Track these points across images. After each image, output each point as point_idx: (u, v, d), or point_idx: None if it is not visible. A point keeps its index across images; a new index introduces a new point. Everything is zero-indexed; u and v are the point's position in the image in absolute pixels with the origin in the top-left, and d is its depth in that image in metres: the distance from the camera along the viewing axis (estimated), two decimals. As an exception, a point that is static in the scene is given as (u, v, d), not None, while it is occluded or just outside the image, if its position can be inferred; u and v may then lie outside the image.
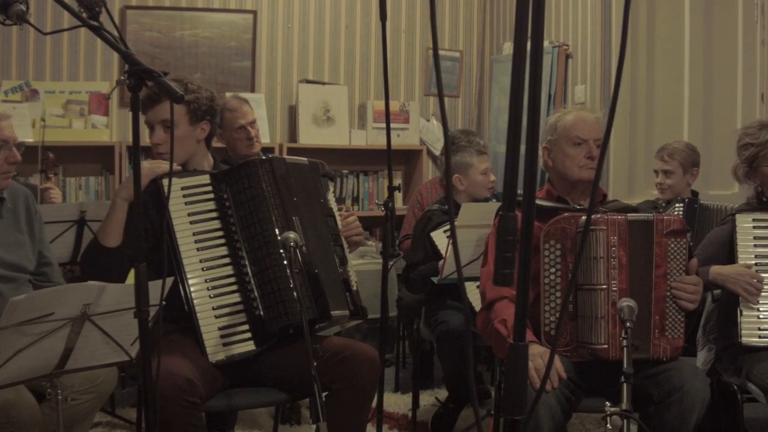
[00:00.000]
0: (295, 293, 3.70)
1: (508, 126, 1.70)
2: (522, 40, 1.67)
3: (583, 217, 3.75)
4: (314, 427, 3.43)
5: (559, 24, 7.93)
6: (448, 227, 5.44)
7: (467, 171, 5.71)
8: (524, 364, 1.82)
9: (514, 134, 1.67)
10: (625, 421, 3.11)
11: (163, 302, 3.16)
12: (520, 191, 1.74)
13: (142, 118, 3.87)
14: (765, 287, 4.17)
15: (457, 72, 8.90)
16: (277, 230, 3.87)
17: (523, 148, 1.71)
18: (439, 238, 5.44)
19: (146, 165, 3.91)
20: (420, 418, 5.62)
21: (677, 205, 5.58)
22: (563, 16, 7.87)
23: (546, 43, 7.78)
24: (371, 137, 8.11)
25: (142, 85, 2.88)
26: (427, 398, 6.15)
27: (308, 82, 8.13)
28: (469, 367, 1.91)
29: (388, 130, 4.14)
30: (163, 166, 3.89)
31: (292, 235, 3.66)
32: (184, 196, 3.93)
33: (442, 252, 5.33)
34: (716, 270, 4.21)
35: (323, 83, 8.18)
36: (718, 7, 7.38)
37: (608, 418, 3.14)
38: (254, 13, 7.97)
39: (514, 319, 1.80)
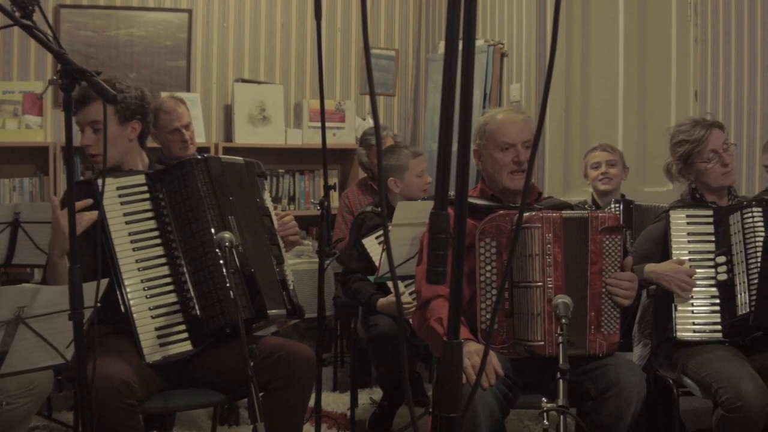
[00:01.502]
0: (231, 293, 3.70)
1: (439, 125, 1.71)
2: (453, 39, 1.68)
3: (517, 215, 3.77)
4: (252, 427, 3.42)
5: (494, 22, 7.97)
6: (380, 233, 5.43)
7: (403, 174, 5.67)
8: (458, 361, 1.83)
9: (446, 133, 1.68)
10: (561, 416, 3.14)
11: (99, 304, 3.14)
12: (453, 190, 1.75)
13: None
14: (699, 282, 4.23)
15: (393, 70, 8.92)
16: (212, 230, 3.85)
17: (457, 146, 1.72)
18: (371, 245, 5.43)
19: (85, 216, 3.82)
20: (358, 417, 5.63)
21: (614, 204, 5.63)
22: (498, 14, 7.91)
23: (481, 42, 7.82)
24: (307, 136, 8.10)
25: (75, 85, 2.86)
26: (365, 397, 6.15)
27: (244, 81, 8.11)
28: (404, 368, 1.91)
29: (323, 129, 4.13)
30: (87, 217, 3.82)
31: (227, 234, 3.66)
32: (119, 196, 3.90)
33: (375, 260, 5.34)
34: (650, 268, 4.26)
35: (259, 82, 8.16)
36: (652, 5, 7.47)
37: (545, 414, 3.16)
38: (189, 12, 7.93)
39: (448, 316, 1.81)
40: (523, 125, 4.11)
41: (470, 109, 1.68)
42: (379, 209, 5.60)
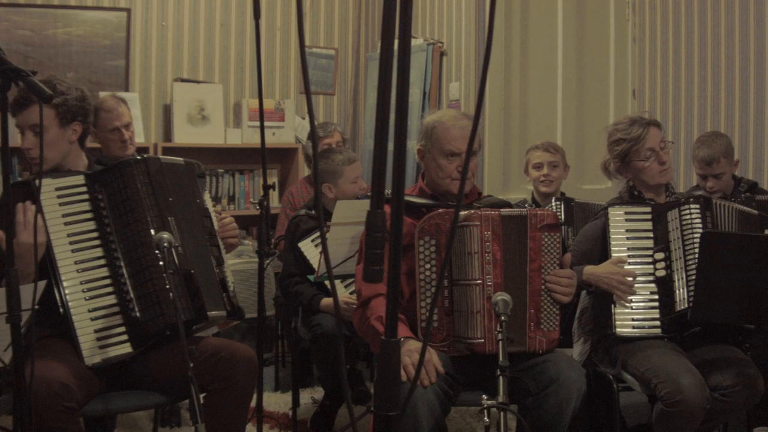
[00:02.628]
0: (171, 294, 3.67)
1: (375, 124, 1.70)
2: (389, 38, 1.68)
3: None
4: (193, 428, 3.40)
5: (434, 21, 7.99)
6: (316, 235, 5.42)
7: (336, 180, 5.59)
8: (396, 359, 1.83)
9: (382, 132, 1.68)
10: (501, 413, 3.15)
11: (36, 306, 3.11)
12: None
13: (12, 120, 3.79)
14: (638, 279, 4.26)
15: (333, 69, 8.91)
16: (152, 231, 3.83)
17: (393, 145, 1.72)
18: (308, 247, 5.41)
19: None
20: (300, 417, 5.62)
21: (554, 202, 5.66)
22: (437, 13, 7.93)
23: (420, 41, 7.83)
24: (246, 136, 8.07)
25: (11, 85, 2.83)
26: (307, 396, 6.14)
27: (183, 80, 8.06)
28: (342, 368, 1.91)
29: (262, 128, 4.12)
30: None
31: (166, 235, 3.63)
32: (58, 197, 3.85)
33: (313, 263, 5.33)
34: (589, 270, 4.29)
35: (198, 82, 8.12)
36: (591, 5, 7.53)
37: (485, 410, 3.17)
38: (128, 11, 7.87)
39: (386, 315, 1.81)
40: (470, 134, 4.10)
41: (406, 109, 1.68)
42: (313, 212, 5.59)
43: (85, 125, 4.10)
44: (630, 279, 4.22)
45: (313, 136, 1.89)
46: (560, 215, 5.58)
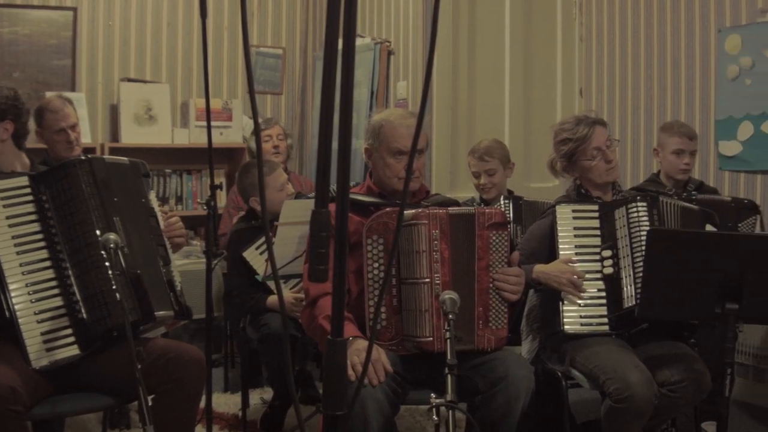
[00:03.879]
0: (117, 295, 3.63)
1: (319, 123, 1.70)
2: (333, 38, 1.68)
3: (405, 212, 3.79)
4: (142, 431, 3.38)
5: (381, 20, 7.99)
6: (260, 242, 5.41)
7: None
8: (343, 359, 1.83)
9: (326, 131, 1.68)
10: (450, 411, 3.15)
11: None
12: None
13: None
14: (586, 276, 4.28)
15: (281, 69, 8.89)
16: (97, 231, 3.79)
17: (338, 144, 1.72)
18: (253, 256, 5.40)
19: None
20: (250, 417, 5.60)
21: (503, 201, 5.66)
22: (385, 12, 7.93)
23: (368, 40, 7.83)
24: (194, 136, 8.03)
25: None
26: (257, 397, 6.13)
27: (130, 80, 8.00)
28: (288, 367, 1.90)
29: (209, 128, 4.10)
30: None
31: (112, 236, 3.60)
32: (1, 199, 3.82)
33: (259, 271, 5.32)
34: (539, 269, 4.31)
35: (145, 81, 8.07)
36: (538, 4, 7.55)
37: (434, 409, 3.18)
38: (74, 10, 7.81)
39: (332, 314, 1.81)
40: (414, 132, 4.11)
41: (350, 107, 1.68)
42: (253, 222, 5.59)
43: (18, 124, 4.07)
44: (579, 279, 4.25)
45: (257, 137, 1.88)
46: (509, 214, 5.58)
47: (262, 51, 8.75)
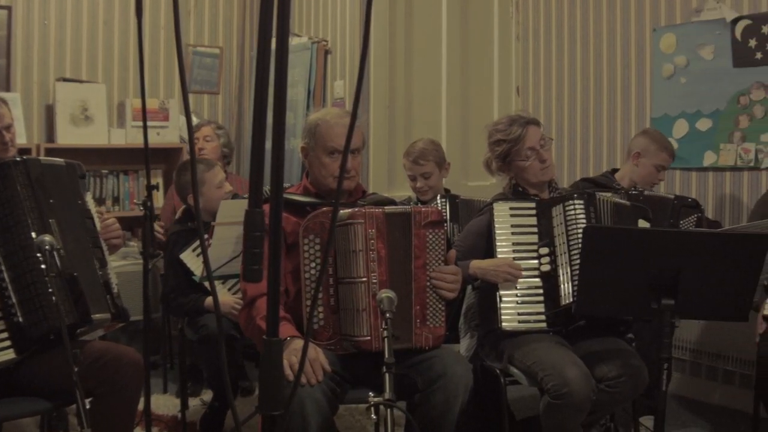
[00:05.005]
0: (53, 297, 3.60)
1: (252, 123, 1.70)
2: (266, 36, 1.67)
3: (342, 211, 3.79)
4: (80, 434, 3.36)
5: (318, 20, 7.99)
6: (196, 244, 5.39)
7: (201, 188, 5.50)
8: (279, 359, 1.83)
9: (259, 130, 1.67)
10: (388, 410, 3.16)
11: None
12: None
13: None
14: (523, 273, 4.30)
15: (218, 68, 8.85)
16: (33, 233, 3.75)
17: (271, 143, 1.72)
18: (190, 258, 5.38)
19: None
20: (190, 419, 5.56)
21: (440, 200, 5.67)
22: (322, 11, 7.93)
23: (305, 39, 7.83)
24: (131, 136, 7.97)
25: None
26: (196, 398, 6.10)
27: (65, 80, 7.93)
28: (224, 369, 1.90)
29: (145, 128, 4.06)
30: None
31: (47, 238, 3.57)
32: (-66, 202, 3.78)
33: (196, 272, 5.30)
34: (476, 264, 4.32)
35: (81, 81, 8.00)
36: (474, 3, 7.58)
37: (372, 408, 3.18)
38: (8, 8, 7.72)
39: (267, 314, 1.81)
40: (354, 131, 4.09)
41: (284, 107, 1.68)
42: (189, 224, 5.56)
43: None
44: (516, 271, 4.27)
45: (190, 137, 1.87)
46: (446, 212, 5.59)
47: (199, 50, 8.72)
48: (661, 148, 5.73)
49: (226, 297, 5.25)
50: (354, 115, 1.88)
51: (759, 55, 5.88)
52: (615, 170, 5.94)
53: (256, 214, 1.71)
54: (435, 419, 3.77)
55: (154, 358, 6.62)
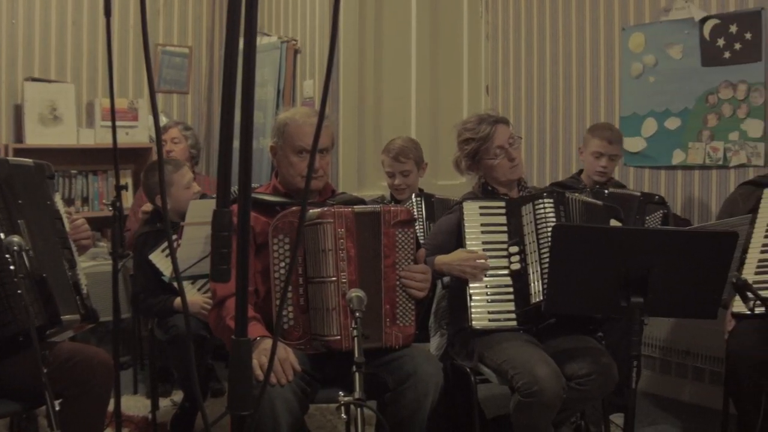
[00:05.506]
0: (22, 299, 3.58)
1: (220, 123, 1.69)
2: (234, 36, 1.67)
3: (311, 210, 3.80)
4: (50, 436, 3.34)
5: (288, 19, 7.97)
6: (166, 245, 5.37)
7: (169, 189, 5.50)
8: (248, 358, 1.83)
9: (227, 130, 1.67)
10: (358, 409, 3.16)
11: None
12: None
13: None
14: (493, 272, 4.31)
15: (187, 68, 8.82)
16: (1, 234, 3.72)
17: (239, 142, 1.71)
18: (159, 259, 5.36)
19: None
20: (160, 420, 5.55)
21: (415, 199, 5.67)
22: (291, 11, 7.92)
23: (275, 39, 7.82)
24: (100, 136, 7.92)
25: None
26: (167, 399, 6.08)
27: (34, 80, 7.87)
28: (192, 370, 1.90)
29: (114, 128, 4.05)
30: None
31: (16, 239, 3.55)
32: None
33: (166, 273, 5.29)
34: (441, 259, 4.33)
35: (49, 81, 7.94)
36: (444, 3, 7.59)
37: (342, 407, 3.18)
38: (-25, 9, 7.68)
39: (235, 314, 1.80)
40: (322, 131, 4.08)
41: (251, 106, 1.68)
42: (158, 225, 5.54)
43: None
44: (482, 261, 4.27)
45: (157, 137, 1.87)
46: (421, 212, 5.60)
47: (168, 50, 8.68)
48: (593, 135, 5.79)
49: (196, 297, 5.24)
50: (321, 115, 1.88)
51: (727, 55, 5.92)
52: (581, 171, 5.97)
53: (223, 214, 1.71)
54: (405, 418, 3.78)
55: (124, 359, 6.59)
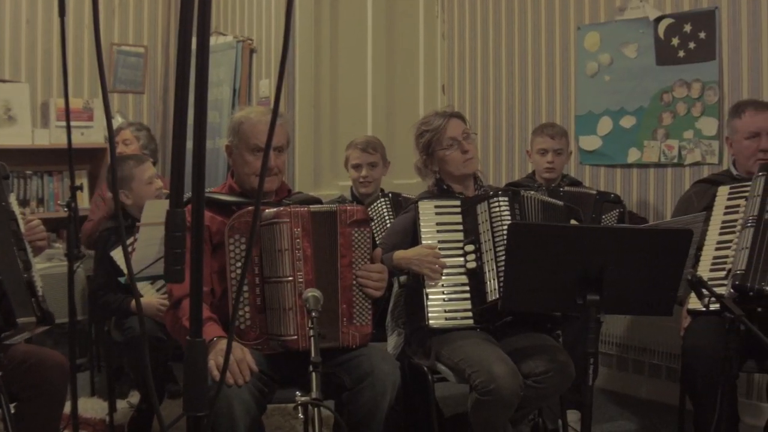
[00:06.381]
0: (-23, 302, 3.56)
1: (173, 123, 1.69)
2: (186, 36, 1.66)
3: (267, 210, 3.80)
4: (4, 438, 3.32)
5: (243, 19, 7.95)
6: (128, 241, 5.34)
7: (130, 184, 5.46)
8: (203, 359, 1.82)
9: (180, 130, 1.66)
10: (315, 409, 3.16)
11: None
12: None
13: None
14: (449, 271, 4.32)
15: (142, 67, 8.77)
16: (-45, 236, 3.70)
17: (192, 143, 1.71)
18: (120, 255, 5.33)
19: None
20: (118, 422, 5.52)
21: (382, 199, 5.68)
22: (247, 10, 7.90)
23: (230, 38, 7.80)
24: (55, 136, 7.85)
25: None
26: (124, 401, 6.04)
27: (-13, 80, 7.83)
28: (147, 373, 1.89)
29: (69, 128, 4.03)
30: None
31: (-30, 240, 3.53)
32: None
33: (126, 269, 5.27)
34: (399, 254, 4.34)
35: (4, 81, 7.87)
36: (400, 1, 7.59)
37: (299, 407, 3.17)
38: (-71, 8, 7.61)
39: (190, 315, 1.80)
40: (277, 129, 4.08)
41: (205, 106, 1.67)
42: (114, 224, 5.51)
43: None
44: (440, 260, 4.28)
45: (110, 137, 1.86)
46: (390, 211, 5.61)
47: (124, 49, 8.63)
48: (536, 135, 5.89)
49: (151, 298, 5.20)
50: (275, 112, 1.87)
51: (682, 53, 5.96)
52: (534, 172, 6.00)
53: (177, 215, 1.70)
54: (363, 417, 3.79)
55: (80, 361, 6.55)
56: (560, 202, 4.55)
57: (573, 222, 4.48)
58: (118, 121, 8.12)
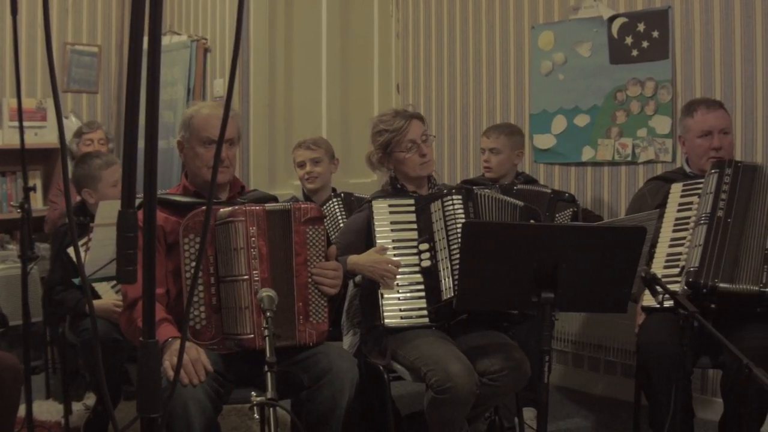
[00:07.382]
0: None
1: (125, 123, 1.68)
2: (138, 36, 1.65)
3: (221, 210, 3.79)
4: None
5: (198, 18, 7.92)
6: (86, 240, 5.31)
7: (96, 185, 5.44)
8: (156, 361, 1.81)
9: (131, 130, 1.66)
10: (270, 409, 3.15)
11: None
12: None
13: None
14: (404, 270, 4.32)
15: (96, 67, 8.72)
16: None
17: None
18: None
19: None
20: (73, 424, 5.49)
21: (335, 199, 5.67)
22: (201, 9, 7.87)
23: (185, 38, 7.77)
24: (7, 136, 7.79)
25: None
26: (80, 403, 6.00)
27: (-62, 81, 7.76)
28: (101, 375, 1.89)
29: (21, 128, 4.01)
30: None
31: None
32: None
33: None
34: (353, 260, 4.33)
35: (-46, 81, 7.84)
36: (355, 1, 7.60)
37: (255, 407, 3.17)
38: None
39: (143, 316, 1.79)
40: (228, 121, 4.07)
41: (156, 106, 1.66)
42: (81, 218, 5.47)
43: None
44: (392, 268, 4.29)
45: (61, 136, 1.84)
46: (343, 211, 5.61)
47: (77, 49, 8.57)
48: (482, 135, 5.92)
49: (109, 298, 5.17)
50: (228, 105, 1.87)
51: (635, 52, 6.00)
52: None
53: (129, 215, 1.70)
54: (322, 415, 3.80)
55: (35, 363, 6.50)
56: (519, 201, 4.56)
57: (532, 222, 4.49)
58: (72, 121, 8.07)
